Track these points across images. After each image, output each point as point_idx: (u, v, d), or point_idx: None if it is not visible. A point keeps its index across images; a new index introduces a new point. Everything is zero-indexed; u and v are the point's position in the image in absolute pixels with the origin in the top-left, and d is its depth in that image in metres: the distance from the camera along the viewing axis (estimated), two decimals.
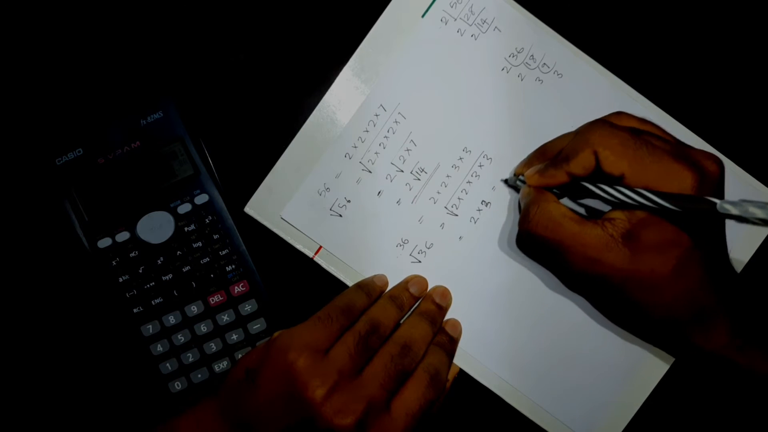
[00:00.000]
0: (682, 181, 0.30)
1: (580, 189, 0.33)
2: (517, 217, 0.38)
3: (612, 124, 0.32)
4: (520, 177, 0.36)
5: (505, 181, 0.38)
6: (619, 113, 0.34)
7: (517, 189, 0.37)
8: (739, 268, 0.38)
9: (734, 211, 0.27)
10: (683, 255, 0.30)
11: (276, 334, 0.33)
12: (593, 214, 0.36)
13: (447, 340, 0.36)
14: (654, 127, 0.33)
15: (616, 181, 0.31)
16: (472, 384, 0.38)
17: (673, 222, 0.30)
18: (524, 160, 0.37)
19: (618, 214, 0.31)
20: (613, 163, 0.31)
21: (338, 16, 0.40)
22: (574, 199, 0.36)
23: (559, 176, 0.33)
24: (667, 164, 0.30)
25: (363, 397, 0.30)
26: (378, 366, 0.32)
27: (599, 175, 0.32)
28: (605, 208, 0.34)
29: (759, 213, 0.26)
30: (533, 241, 0.34)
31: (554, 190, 0.35)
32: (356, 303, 0.34)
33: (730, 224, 0.32)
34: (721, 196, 0.31)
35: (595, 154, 0.31)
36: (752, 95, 0.41)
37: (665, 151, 0.31)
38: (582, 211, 0.36)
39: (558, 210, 0.33)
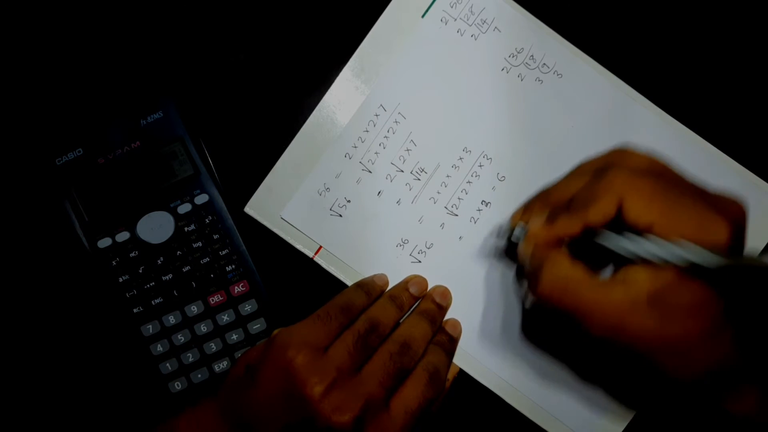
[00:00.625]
0: (718, 232, 0.27)
1: (594, 242, 0.29)
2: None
3: (631, 168, 0.28)
4: (521, 226, 0.32)
5: (507, 237, 0.34)
6: (623, 151, 0.31)
7: (509, 242, 0.34)
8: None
9: None
10: (716, 317, 0.27)
11: (275, 332, 0.33)
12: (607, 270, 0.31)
13: (446, 340, 0.36)
14: (666, 167, 0.30)
15: (637, 233, 0.28)
16: (472, 384, 0.38)
17: (704, 279, 0.27)
18: (523, 205, 0.33)
19: (641, 274, 0.28)
20: (642, 213, 0.27)
21: (338, 16, 0.40)
22: (587, 255, 0.30)
23: (574, 227, 0.29)
24: (699, 212, 0.27)
25: (361, 395, 0.30)
26: (377, 364, 0.32)
27: (617, 226, 0.28)
28: (620, 262, 0.30)
29: None
30: (546, 307, 0.30)
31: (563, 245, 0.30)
32: (355, 302, 0.34)
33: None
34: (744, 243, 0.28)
35: (619, 201, 0.28)
36: (752, 94, 0.41)
37: (694, 197, 0.28)
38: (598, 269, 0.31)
39: (573, 272, 0.29)
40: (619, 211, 0.28)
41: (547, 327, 0.36)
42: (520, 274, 0.34)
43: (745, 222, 0.28)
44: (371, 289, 0.36)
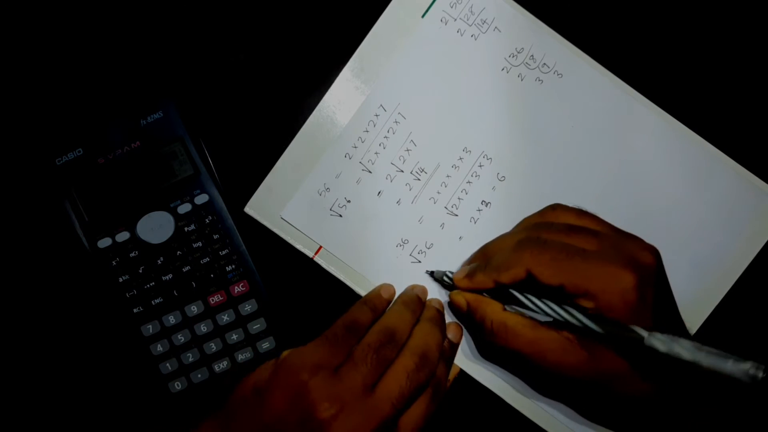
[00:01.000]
0: (622, 282, 0.30)
1: (512, 297, 0.33)
2: (518, 222, 0.38)
3: (541, 239, 0.32)
4: (447, 274, 0.36)
5: (431, 273, 0.38)
6: (554, 206, 0.35)
7: (443, 284, 0.37)
8: (738, 273, 0.38)
9: (661, 347, 0.27)
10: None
11: (285, 353, 0.32)
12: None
13: (449, 347, 0.36)
14: (590, 220, 0.34)
15: (557, 291, 0.31)
16: (472, 384, 0.38)
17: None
18: (466, 260, 0.37)
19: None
20: (549, 277, 0.31)
21: (338, 16, 0.40)
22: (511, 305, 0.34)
23: (486, 283, 0.33)
24: (603, 269, 0.30)
25: (374, 418, 0.30)
26: (392, 384, 0.31)
27: (538, 285, 0.32)
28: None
29: (684, 354, 0.26)
30: (495, 352, 0.35)
31: (485, 294, 0.34)
32: (362, 319, 0.34)
33: (729, 229, 0.31)
34: (664, 283, 0.32)
35: (527, 270, 0.31)
36: (752, 94, 0.41)
37: (599, 254, 0.31)
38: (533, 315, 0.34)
39: (510, 318, 0.33)
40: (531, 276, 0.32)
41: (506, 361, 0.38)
42: (465, 324, 0.37)
43: (654, 267, 0.31)
44: (377, 304, 0.35)
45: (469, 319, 0.35)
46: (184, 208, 0.38)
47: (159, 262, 0.38)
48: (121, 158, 0.38)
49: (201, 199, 0.38)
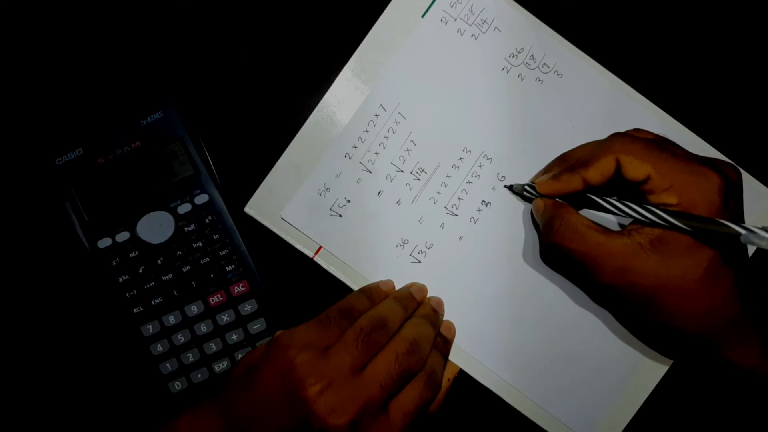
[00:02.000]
0: (710, 181, 0.30)
1: (590, 203, 0.33)
2: (517, 222, 0.38)
3: (631, 135, 0.32)
4: (527, 185, 0.36)
5: (510, 188, 0.38)
6: (637, 129, 0.35)
7: (523, 197, 0.37)
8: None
9: (762, 244, 0.26)
10: (714, 259, 0.30)
11: (277, 333, 0.33)
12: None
13: (441, 342, 0.36)
14: (672, 144, 0.33)
15: (638, 189, 0.31)
16: (472, 384, 0.38)
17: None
18: (542, 169, 0.37)
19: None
20: (637, 167, 0.31)
21: (338, 16, 0.40)
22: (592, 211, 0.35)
23: (574, 182, 0.33)
24: (692, 166, 0.30)
25: (360, 398, 0.30)
26: (381, 365, 0.31)
27: (621, 183, 0.32)
28: (626, 221, 0.34)
29: None
30: (559, 254, 0.34)
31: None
32: (357, 306, 0.34)
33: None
34: (740, 206, 0.32)
35: (617, 161, 0.31)
36: (752, 95, 0.41)
37: (689, 156, 0.31)
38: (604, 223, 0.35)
39: (581, 221, 0.33)
40: (619, 171, 0.31)
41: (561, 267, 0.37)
42: (537, 229, 0.37)
43: (738, 183, 0.31)
44: (375, 294, 0.36)
45: (542, 222, 0.35)
46: (184, 208, 0.38)
47: (159, 262, 0.38)
48: (121, 158, 0.38)
49: (201, 199, 0.38)
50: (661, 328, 0.33)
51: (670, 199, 0.30)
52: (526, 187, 0.36)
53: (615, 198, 0.32)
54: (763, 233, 0.27)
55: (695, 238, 0.30)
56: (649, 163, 0.31)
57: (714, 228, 0.29)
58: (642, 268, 0.31)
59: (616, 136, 0.33)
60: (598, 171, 0.32)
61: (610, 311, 0.37)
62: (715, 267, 0.30)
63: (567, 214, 0.33)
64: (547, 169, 0.36)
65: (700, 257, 0.30)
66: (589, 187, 0.33)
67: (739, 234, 0.28)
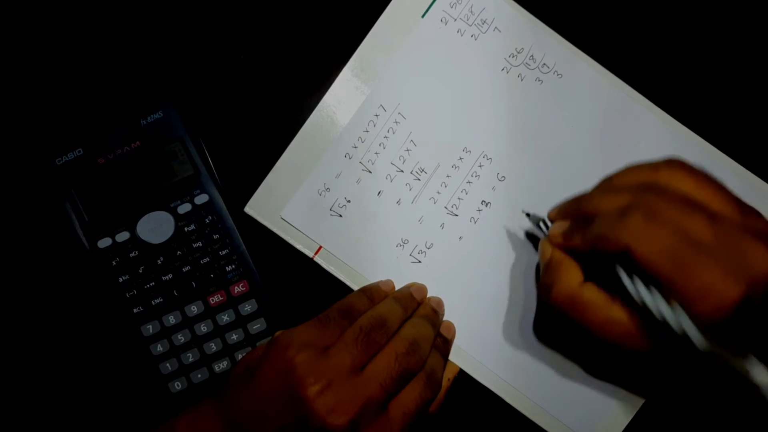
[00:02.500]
0: (725, 294, 0.26)
1: (606, 267, 0.30)
2: (517, 222, 0.38)
3: (651, 213, 0.28)
4: (544, 222, 0.34)
5: (527, 215, 0.37)
6: (672, 164, 0.30)
7: (537, 230, 0.36)
8: None
9: None
10: None
11: (277, 333, 0.33)
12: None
13: (441, 342, 0.36)
14: (711, 191, 0.29)
15: (645, 276, 0.28)
16: (472, 384, 0.38)
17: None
18: (557, 206, 0.34)
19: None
20: (649, 264, 0.27)
21: (338, 16, 0.40)
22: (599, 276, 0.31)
23: (583, 247, 0.31)
24: (710, 272, 0.26)
25: (359, 397, 0.30)
26: (381, 364, 0.31)
27: (632, 263, 0.28)
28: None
29: None
30: (553, 310, 0.32)
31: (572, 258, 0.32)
32: (358, 306, 0.34)
33: None
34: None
35: (628, 246, 0.28)
36: (752, 94, 0.41)
37: (711, 251, 0.27)
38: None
39: (583, 294, 0.30)
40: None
41: (558, 327, 0.36)
42: (538, 276, 0.36)
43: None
44: (375, 294, 0.36)
45: (542, 271, 0.33)
46: (184, 208, 0.38)
47: (159, 262, 0.38)
48: (121, 158, 0.38)
49: (201, 199, 0.38)
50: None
51: (676, 300, 0.27)
52: (541, 225, 0.35)
53: (641, 282, 0.29)
54: None
55: (705, 360, 0.27)
56: (662, 265, 0.27)
57: (728, 360, 0.26)
58: (636, 347, 0.30)
59: (634, 217, 0.28)
60: (609, 248, 0.29)
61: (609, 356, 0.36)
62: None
63: (566, 282, 0.31)
64: (561, 212, 0.34)
65: None
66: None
67: (748, 373, 0.25)
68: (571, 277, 0.31)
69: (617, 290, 0.30)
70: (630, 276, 0.29)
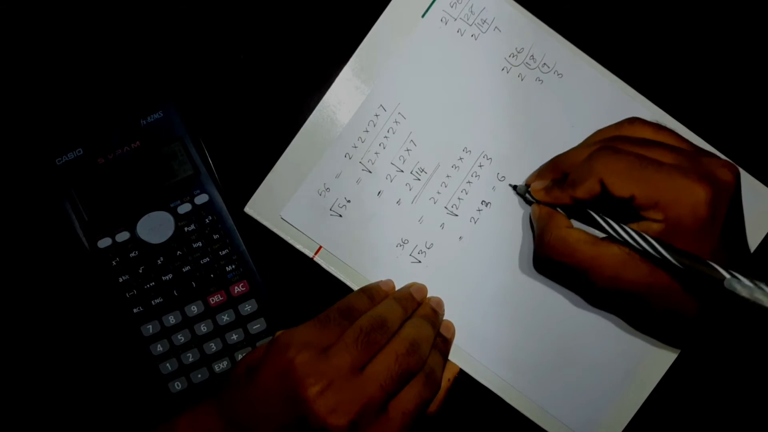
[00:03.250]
0: (695, 195, 0.30)
1: (585, 214, 0.33)
2: (517, 222, 0.38)
3: (615, 149, 0.32)
4: (530, 189, 0.36)
5: (514, 188, 0.38)
6: (632, 120, 0.35)
7: (525, 199, 0.37)
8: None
9: (743, 292, 0.26)
10: None
11: (277, 333, 0.33)
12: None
13: (441, 341, 0.36)
14: (668, 135, 0.33)
15: (626, 204, 0.31)
16: (472, 384, 0.38)
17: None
18: (536, 171, 0.37)
19: (635, 229, 0.31)
20: (621, 188, 0.31)
21: (338, 16, 0.40)
22: (583, 221, 0.35)
23: (563, 199, 0.34)
24: (676, 181, 0.30)
25: (360, 398, 0.30)
26: (381, 365, 0.31)
27: (609, 198, 0.32)
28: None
29: (767, 301, 0.26)
30: (551, 266, 0.35)
31: (559, 210, 0.35)
32: (358, 306, 0.34)
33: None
34: (738, 205, 0.31)
35: (601, 181, 0.32)
36: (752, 95, 0.41)
37: (674, 167, 0.31)
38: (595, 231, 0.35)
39: (571, 235, 0.33)
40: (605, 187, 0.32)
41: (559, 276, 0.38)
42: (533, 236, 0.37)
43: (732, 184, 0.31)
44: (375, 294, 0.36)
45: (536, 230, 0.35)
46: (184, 208, 0.38)
47: (159, 262, 0.38)
48: (121, 158, 0.38)
49: (201, 199, 0.38)
50: (659, 322, 0.35)
51: (656, 215, 0.31)
52: (527, 194, 0.37)
53: (608, 217, 0.32)
54: (746, 281, 0.27)
55: (682, 274, 0.30)
56: (632, 182, 0.31)
57: (701, 268, 0.29)
58: (632, 276, 0.31)
59: (600, 153, 0.32)
60: (585, 191, 0.32)
61: (610, 312, 0.37)
62: None
63: (556, 228, 0.34)
64: (540, 174, 0.37)
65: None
66: (580, 201, 0.33)
67: (724, 278, 0.28)
68: (558, 223, 0.34)
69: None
70: (602, 218, 0.33)
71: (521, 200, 0.38)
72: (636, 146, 0.32)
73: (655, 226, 0.31)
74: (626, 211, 0.32)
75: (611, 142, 0.34)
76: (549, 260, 0.34)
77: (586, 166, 0.33)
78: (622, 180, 0.31)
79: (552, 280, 0.37)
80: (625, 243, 0.31)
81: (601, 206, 0.33)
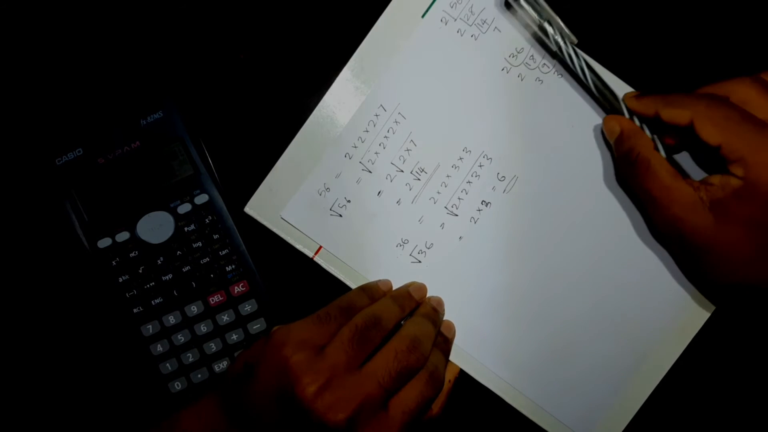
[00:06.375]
0: None
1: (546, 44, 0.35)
2: (517, 223, 0.38)
3: (719, 101, 0.31)
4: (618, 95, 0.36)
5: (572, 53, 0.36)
6: (757, 77, 0.33)
7: (601, 100, 0.37)
8: None
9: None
10: None
11: (274, 329, 0.33)
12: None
13: (442, 341, 0.36)
14: None
15: (715, 152, 0.31)
16: (472, 384, 0.38)
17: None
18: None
19: (715, 179, 0.31)
20: (709, 134, 0.31)
21: (338, 17, 0.40)
22: (669, 156, 0.35)
23: (648, 110, 0.33)
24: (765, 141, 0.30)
25: (358, 394, 0.30)
26: (380, 362, 0.31)
27: (699, 141, 0.31)
28: (701, 174, 0.34)
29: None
30: (627, 184, 0.35)
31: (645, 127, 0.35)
32: (357, 303, 0.34)
33: None
34: None
35: (691, 119, 0.31)
36: None
37: None
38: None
39: (656, 158, 0.33)
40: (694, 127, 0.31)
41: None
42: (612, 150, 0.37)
43: None
44: (374, 293, 0.36)
45: (616, 145, 0.35)
46: (184, 208, 0.38)
47: (159, 262, 0.38)
48: (121, 158, 0.38)
49: (201, 199, 0.38)
50: (710, 282, 0.35)
51: (738, 171, 0.30)
52: (623, 101, 0.36)
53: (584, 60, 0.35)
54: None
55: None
56: (721, 132, 0.30)
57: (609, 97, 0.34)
58: (696, 223, 0.31)
59: (701, 99, 0.32)
60: (671, 115, 0.32)
61: (665, 248, 0.37)
62: (766, 248, 0.30)
63: (643, 148, 0.33)
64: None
65: (754, 233, 0.30)
66: (662, 122, 0.33)
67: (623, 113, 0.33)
68: (644, 142, 0.33)
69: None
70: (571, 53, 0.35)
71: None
72: (749, 97, 0.32)
73: (734, 182, 0.30)
74: (714, 158, 0.31)
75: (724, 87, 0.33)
76: (625, 181, 0.34)
77: (689, 98, 0.32)
78: (712, 127, 0.30)
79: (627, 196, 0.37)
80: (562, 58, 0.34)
81: (693, 147, 0.33)
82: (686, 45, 0.40)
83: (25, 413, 0.40)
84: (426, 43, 0.38)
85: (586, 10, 0.40)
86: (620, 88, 0.38)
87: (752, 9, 0.40)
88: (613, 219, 0.37)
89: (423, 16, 0.38)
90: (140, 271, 0.38)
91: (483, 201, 0.38)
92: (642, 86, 0.38)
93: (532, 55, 0.38)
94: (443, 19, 0.38)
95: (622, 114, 0.35)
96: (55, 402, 0.40)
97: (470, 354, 0.38)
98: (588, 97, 0.38)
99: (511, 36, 0.38)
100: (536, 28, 0.36)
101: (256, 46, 0.40)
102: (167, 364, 0.38)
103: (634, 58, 0.40)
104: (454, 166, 0.38)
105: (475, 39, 0.38)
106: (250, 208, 0.38)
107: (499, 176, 0.38)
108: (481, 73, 0.38)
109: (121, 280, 0.38)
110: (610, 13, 0.40)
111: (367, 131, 0.38)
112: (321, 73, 0.39)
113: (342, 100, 0.38)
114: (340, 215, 0.38)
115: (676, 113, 0.32)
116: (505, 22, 0.38)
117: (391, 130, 0.38)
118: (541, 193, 0.38)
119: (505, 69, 0.38)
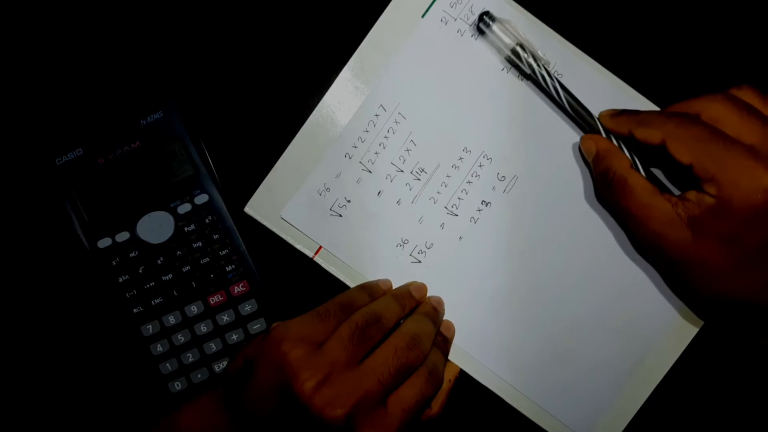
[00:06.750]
0: (755, 181, 0.29)
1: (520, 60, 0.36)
2: (517, 223, 0.38)
3: (693, 118, 0.32)
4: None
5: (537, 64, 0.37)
6: (739, 88, 0.34)
7: (579, 120, 0.37)
8: None
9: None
10: (747, 254, 0.31)
11: (273, 325, 0.33)
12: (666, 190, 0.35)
13: (441, 340, 0.36)
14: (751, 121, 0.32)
15: (687, 170, 0.31)
16: (472, 384, 0.38)
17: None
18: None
19: (692, 196, 0.31)
20: (680, 153, 0.31)
21: (338, 17, 0.40)
22: (646, 171, 0.35)
23: (622, 129, 0.34)
24: (742, 161, 0.30)
25: (356, 390, 0.30)
26: (379, 359, 0.31)
27: (671, 159, 0.32)
28: (676, 190, 0.35)
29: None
30: (606, 202, 0.36)
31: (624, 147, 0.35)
32: (357, 301, 0.34)
33: None
34: None
35: (663, 139, 0.32)
36: None
37: (748, 148, 0.30)
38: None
39: (632, 176, 0.33)
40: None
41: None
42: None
43: None
44: (374, 291, 0.36)
45: (594, 165, 0.35)
46: (184, 208, 0.38)
47: (159, 262, 0.38)
48: (121, 158, 0.38)
49: (201, 199, 0.38)
50: (692, 295, 0.35)
51: (711, 189, 0.30)
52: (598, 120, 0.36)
53: (667, 179, 0.35)
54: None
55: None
56: (692, 152, 0.31)
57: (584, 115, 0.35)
58: (674, 238, 0.31)
59: (672, 119, 0.32)
60: (645, 136, 0.32)
61: (649, 264, 0.37)
62: (745, 263, 0.31)
63: (620, 167, 0.33)
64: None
65: (732, 249, 0.30)
66: (635, 141, 0.33)
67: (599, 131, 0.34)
68: (622, 163, 0.34)
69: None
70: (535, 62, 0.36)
71: (522, 193, 0.38)
72: (729, 114, 0.32)
73: (708, 200, 0.30)
74: (687, 176, 0.32)
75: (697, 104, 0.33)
76: (604, 199, 0.35)
77: (659, 118, 0.33)
78: (683, 146, 0.31)
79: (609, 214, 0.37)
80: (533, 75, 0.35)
81: (666, 165, 0.34)
82: (686, 45, 0.40)
83: (25, 413, 0.40)
84: (426, 43, 0.38)
85: (586, 10, 0.40)
86: (620, 88, 0.38)
87: (752, 9, 0.40)
88: (613, 219, 0.37)
89: (423, 16, 0.38)
90: (140, 271, 0.38)
91: (483, 201, 0.38)
92: (642, 86, 0.38)
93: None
94: (443, 19, 0.38)
95: (600, 132, 0.35)
96: (55, 402, 0.40)
97: (470, 354, 0.38)
98: (587, 96, 0.38)
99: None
100: (509, 52, 0.36)
101: (256, 46, 0.40)
102: (167, 364, 0.38)
103: (634, 58, 0.40)
104: (454, 166, 0.38)
105: (475, 39, 0.38)
106: (250, 208, 0.38)
107: (499, 176, 0.38)
108: (481, 73, 0.38)
109: (121, 280, 0.38)
110: (610, 13, 0.40)
111: (367, 131, 0.38)
112: (321, 73, 0.39)
113: (342, 100, 0.38)
114: (340, 215, 0.38)
115: (648, 133, 0.32)
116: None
117: (391, 130, 0.38)
118: (541, 193, 0.38)
119: (505, 69, 0.38)
